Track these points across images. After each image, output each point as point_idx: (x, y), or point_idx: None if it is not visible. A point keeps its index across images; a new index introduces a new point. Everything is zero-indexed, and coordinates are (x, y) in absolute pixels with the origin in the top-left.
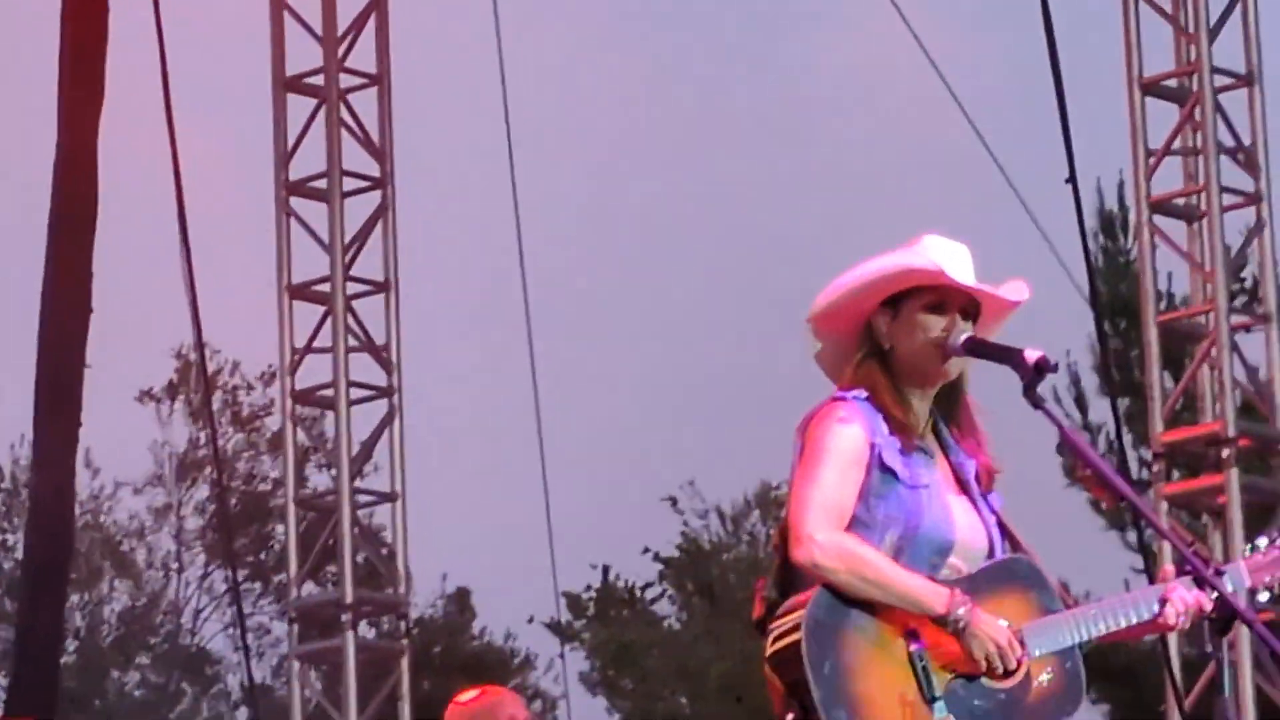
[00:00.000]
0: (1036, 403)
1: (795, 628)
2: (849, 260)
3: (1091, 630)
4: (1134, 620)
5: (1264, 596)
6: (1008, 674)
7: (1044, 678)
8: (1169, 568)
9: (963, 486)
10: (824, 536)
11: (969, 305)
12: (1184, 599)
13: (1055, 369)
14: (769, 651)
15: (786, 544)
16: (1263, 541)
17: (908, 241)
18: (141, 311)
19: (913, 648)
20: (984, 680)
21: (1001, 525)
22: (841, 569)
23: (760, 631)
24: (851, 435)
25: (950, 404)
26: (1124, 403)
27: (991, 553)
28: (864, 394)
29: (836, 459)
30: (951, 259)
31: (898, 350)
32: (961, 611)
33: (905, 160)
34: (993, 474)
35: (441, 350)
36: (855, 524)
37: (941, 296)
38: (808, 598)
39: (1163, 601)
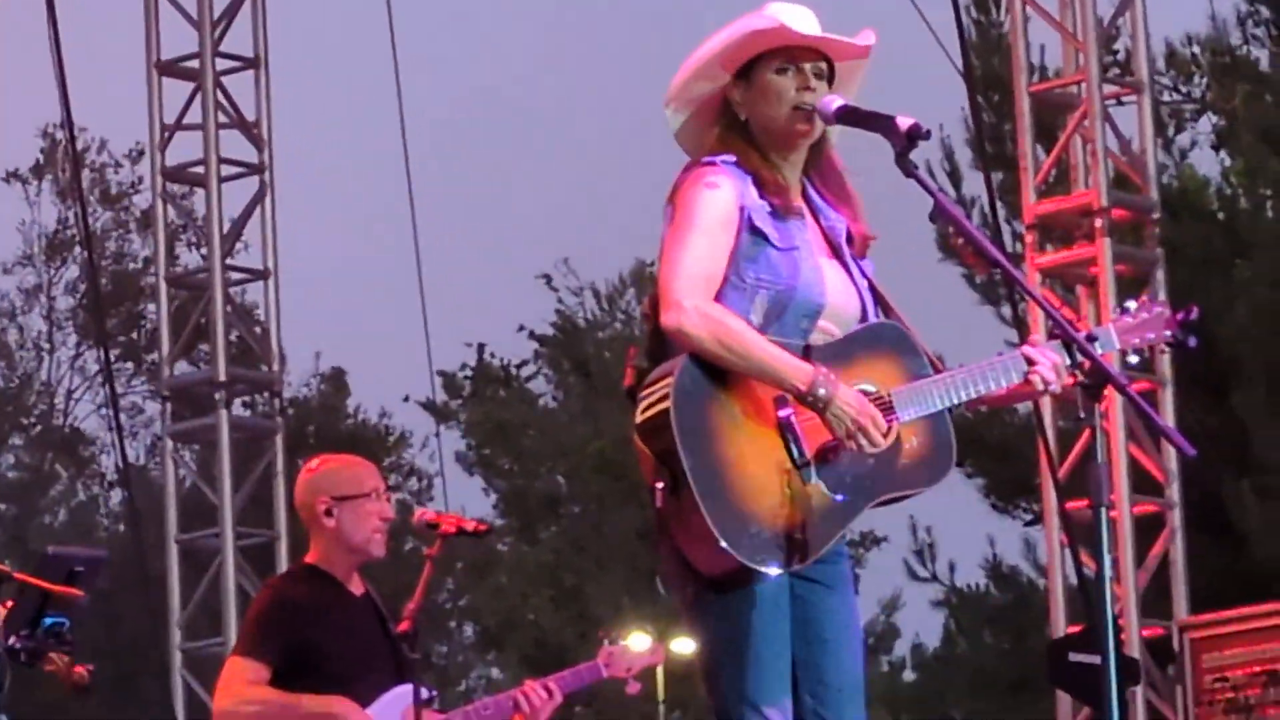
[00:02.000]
0: (909, 170)
1: (664, 396)
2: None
3: (961, 394)
4: (1003, 383)
5: (1133, 359)
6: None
7: (914, 443)
8: (1037, 337)
9: (834, 250)
10: (692, 303)
11: (819, 65)
12: (1052, 358)
13: (928, 136)
14: (638, 419)
15: (657, 312)
16: (1132, 304)
17: (754, 10)
18: (7, 91)
19: (782, 413)
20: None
21: (874, 290)
22: (707, 337)
23: (631, 400)
24: (720, 199)
25: (818, 169)
26: (997, 176)
27: (864, 317)
28: (733, 158)
29: (705, 224)
30: (793, 16)
31: (755, 118)
32: (822, 392)
33: None
34: (867, 240)
35: (313, 126)
36: (726, 287)
37: (789, 57)
38: (675, 365)
39: (1030, 362)
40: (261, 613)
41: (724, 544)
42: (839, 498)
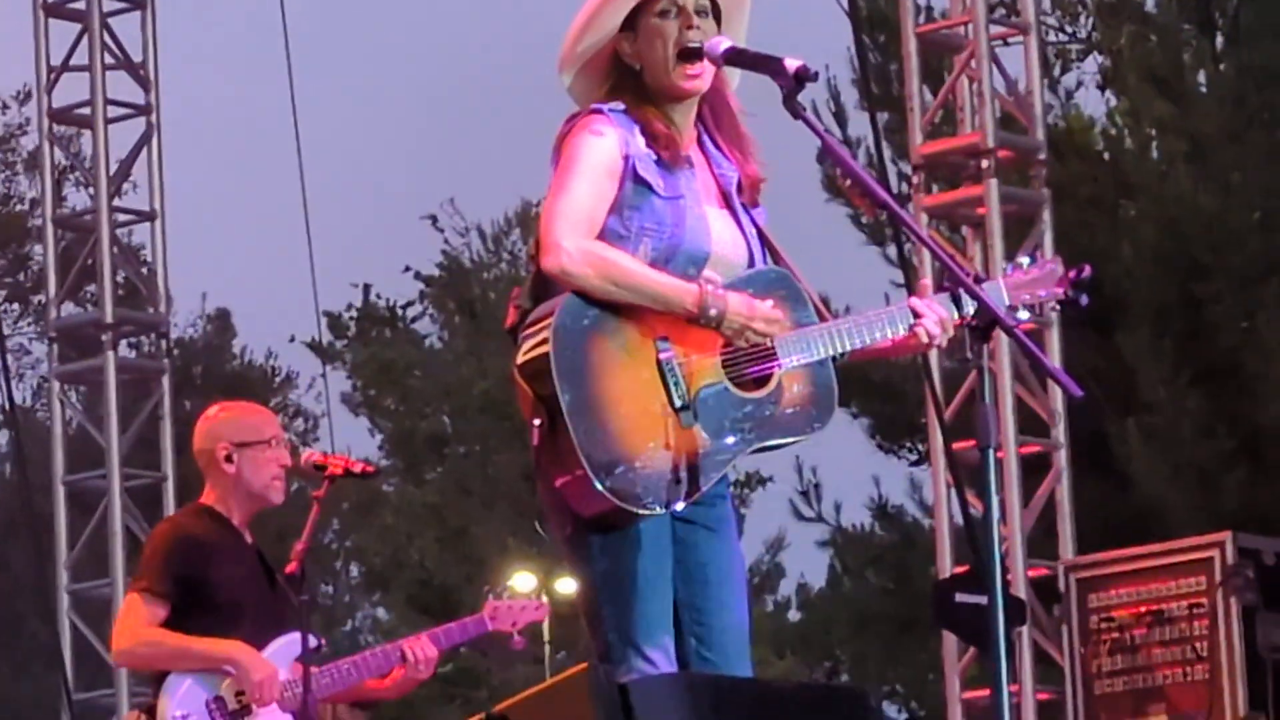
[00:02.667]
0: (797, 112)
1: (545, 335)
2: None
3: (845, 343)
4: (889, 334)
5: (1023, 315)
6: (759, 384)
7: (796, 390)
8: (926, 282)
9: (725, 199)
10: (572, 243)
11: (702, 2)
12: (939, 312)
13: (815, 78)
14: (519, 360)
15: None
16: (1025, 260)
17: None
18: None
19: (662, 356)
20: (734, 390)
21: (763, 239)
22: (591, 274)
23: (513, 339)
24: (604, 146)
25: (714, 112)
26: (883, 117)
27: (751, 266)
28: (621, 106)
29: (588, 170)
30: None
31: (646, 67)
32: (714, 311)
33: None
34: (757, 183)
35: (200, 68)
36: (610, 236)
37: (670, 1)
38: (556, 304)
39: (916, 315)
40: (161, 547)
41: (598, 485)
42: (717, 442)
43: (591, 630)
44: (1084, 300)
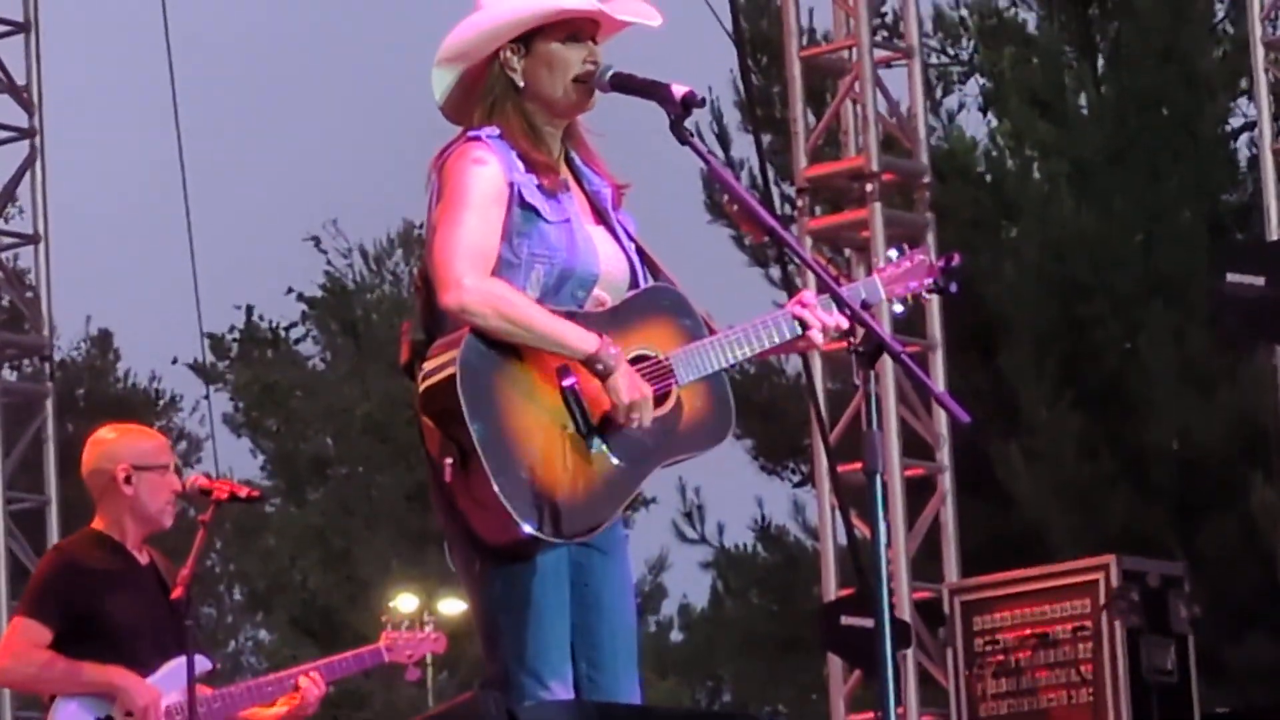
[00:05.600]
0: (684, 138)
1: (447, 366)
2: None
3: (737, 353)
4: (777, 340)
5: (898, 308)
6: (658, 402)
7: (695, 405)
8: (808, 295)
9: (600, 215)
10: (471, 282)
11: (594, 30)
12: (821, 317)
13: (702, 104)
14: (422, 391)
15: (430, 287)
16: (894, 253)
17: None
18: None
19: (566, 383)
20: None
21: (641, 252)
22: (490, 313)
23: (408, 375)
24: (489, 175)
25: (571, 131)
26: (767, 139)
27: (634, 281)
28: (497, 131)
29: (477, 201)
30: None
31: (533, 87)
32: (600, 368)
33: None
34: (621, 190)
35: (84, 92)
36: (500, 264)
37: (575, 28)
38: (458, 338)
39: (803, 325)
40: (47, 576)
41: (515, 516)
42: (625, 464)
43: (489, 657)
44: (954, 288)
